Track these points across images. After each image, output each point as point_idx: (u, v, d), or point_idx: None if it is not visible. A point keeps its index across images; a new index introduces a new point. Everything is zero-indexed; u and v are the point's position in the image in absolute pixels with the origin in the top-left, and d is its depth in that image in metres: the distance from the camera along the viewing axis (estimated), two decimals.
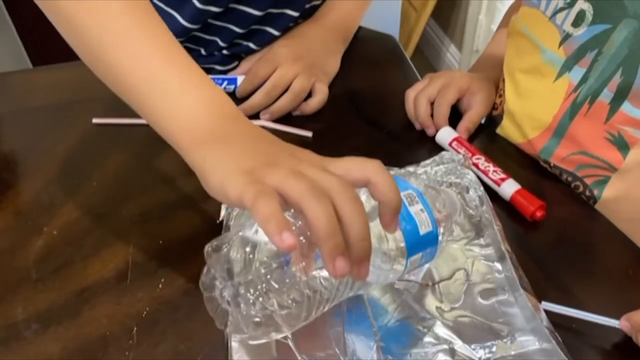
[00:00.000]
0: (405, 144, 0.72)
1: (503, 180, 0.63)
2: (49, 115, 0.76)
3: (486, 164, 0.64)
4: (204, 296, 0.46)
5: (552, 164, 0.68)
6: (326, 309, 0.47)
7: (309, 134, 0.71)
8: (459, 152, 0.66)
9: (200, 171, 0.46)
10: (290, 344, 0.50)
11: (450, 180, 0.63)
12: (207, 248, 0.45)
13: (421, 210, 0.48)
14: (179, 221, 0.61)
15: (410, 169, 0.63)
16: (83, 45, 0.51)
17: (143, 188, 0.65)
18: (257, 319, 0.43)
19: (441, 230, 0.51)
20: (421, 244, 0.48)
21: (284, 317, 0.43)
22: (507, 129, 0.71)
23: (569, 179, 0.67)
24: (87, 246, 0.59)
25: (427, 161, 0.64)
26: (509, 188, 0.62)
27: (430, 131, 0.71)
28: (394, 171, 0.63)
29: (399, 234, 0.47)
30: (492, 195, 0.63)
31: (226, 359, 0.49)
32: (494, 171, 0.64)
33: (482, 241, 0.58)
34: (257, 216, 0.38)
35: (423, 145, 0.71)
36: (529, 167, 0.69)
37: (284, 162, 0.43)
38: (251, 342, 0.49)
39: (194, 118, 0.47)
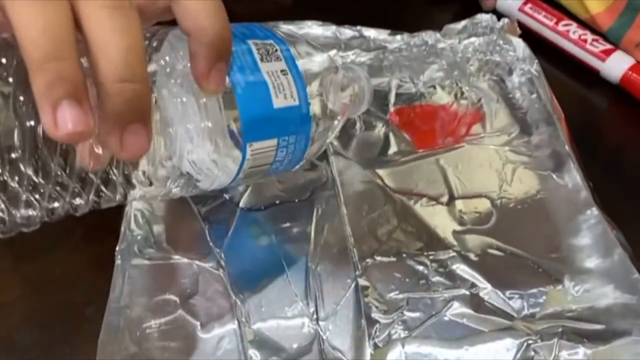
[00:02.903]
0: (430, 14, 0.51)
1: (608, 53, 0.43)
2: None
3: (580, 31, 0.44)
4: None
5: None
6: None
7: None
8: (537, 20, 0.45)
9: None
10: (222, 274, 0.32)
11: (485, 58, 0.43)
12: None
13: (282, 72, 0.30)
14: None
15: (428, 38, 0.43)
16: None
17: None
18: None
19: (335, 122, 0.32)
20: (275, 124, 0.30)
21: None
22: None
23: None
24: None
25: (454, 26, 0.43)
26: (620, 63, 0.42)
27: (488, 2, 0.49)
28: (386, 35, 0.43)
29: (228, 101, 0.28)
30: (587, 77, 0.44)
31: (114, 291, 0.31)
32: (594, 41, 0.43)
33: (530, 141, 0.38)
34: None
35: (450, 12, 0.49)
36: None
37: None
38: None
39: None
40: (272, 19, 0.44)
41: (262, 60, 0.29)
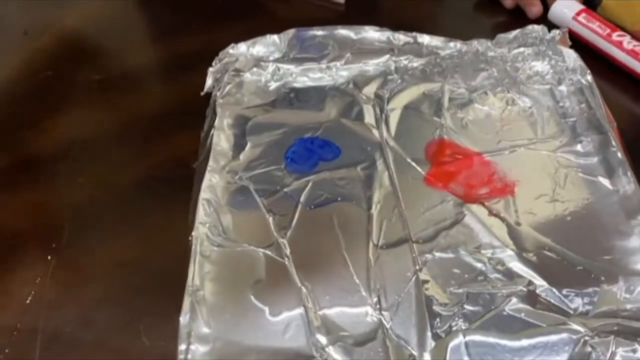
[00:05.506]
0: (476, 22, 0.52)
1: None
2: None
3: (634, 42, 0.45)
4: None
5: None
6: None
7: (341, 0, 0.53)
8: (590, 29, 0.46)
9: None
10: (287, 263, 0.34)
11: (535, 69, 0.45)
12: None
13: None
14: (148, 92, 0.44)
15: (479, 46, 0.45)
16: None
17: (108, 47, 0.48)
18: None
19: None
20: None
21: None
22: (611, 9, 0.51)
23: None
24: (21, 113, 0.43)
25: (505, 35, 0.45)
26: None
27: (534, 10, 0.50)
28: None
29: None
30: (637, 87, 0.44)
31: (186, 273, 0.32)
32: None
33: (579, 148, 0.40)
34: None
35: (500, 22, 0.51)
36: None
37: None
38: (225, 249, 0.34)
39: None
40: (331, 24, 0.46)
41: None
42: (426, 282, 0.33)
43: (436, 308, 0.32)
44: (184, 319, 0.30)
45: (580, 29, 0.47)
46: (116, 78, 0.45)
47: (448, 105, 0.42)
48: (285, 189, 0.38)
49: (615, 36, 0.45)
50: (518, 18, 0.50)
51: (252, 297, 0.32)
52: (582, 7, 0.48)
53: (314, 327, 0.31)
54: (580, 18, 0.47)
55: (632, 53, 0.45)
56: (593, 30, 0.47)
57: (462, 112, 0.42)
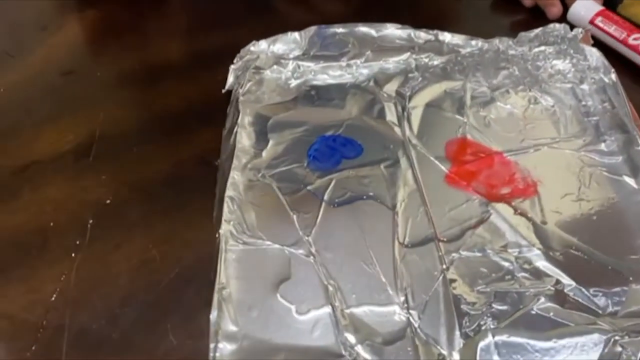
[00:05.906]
0: (494, 21, 0.52)
1: None
2: None
3: None
4: None
5: None
6: None
7: None
8: (607, 33, 0.46)
9: None
10: (312, 261, 0.34)
11: (556, 67, 0.44)
12: None
13: None
14: (170, 89, 0.44)
15: (500, 45, 0.45)
16: None
17: (129, 44, 0.48)
18: None
19: None
20: None
21: None
22: (631, 8, 0.51)
23: None
24: (42, 110, 0.43)
25: (527, 34, 0.45)
26: None
27: (554, 10, 0.50)
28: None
29: None
30: None
31: (215, 273, 0.32)
32: None
33: (603, 147, 0.39)
34: None
35: (518, 20, 0.51)
36: None
37: None
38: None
39: None
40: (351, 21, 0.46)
41: None
42: (453, 281, 0.33)
43: (464, 307, 0.31)
44: (213, 316, 0.30)
45: (597, 33, 0.47)
46: (137, 75, 0.45)
47: (470, 103, 0.42)
48: (309, 187, 0.38)
49: (631, 40, 0.45)
50: (537, 17, 0.50)
51: (278, 296, 0.32)
52: (600, 7, 0.48)
53: (342, 325, 0.31)
54: (597, 21, 0.47)
55: None
56: (610, 34, 0.46)
57: (484, 111, 0.42)
